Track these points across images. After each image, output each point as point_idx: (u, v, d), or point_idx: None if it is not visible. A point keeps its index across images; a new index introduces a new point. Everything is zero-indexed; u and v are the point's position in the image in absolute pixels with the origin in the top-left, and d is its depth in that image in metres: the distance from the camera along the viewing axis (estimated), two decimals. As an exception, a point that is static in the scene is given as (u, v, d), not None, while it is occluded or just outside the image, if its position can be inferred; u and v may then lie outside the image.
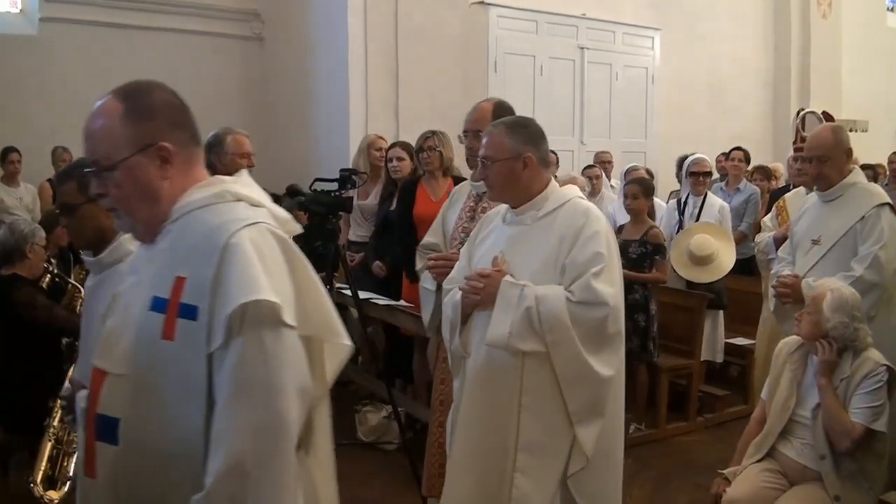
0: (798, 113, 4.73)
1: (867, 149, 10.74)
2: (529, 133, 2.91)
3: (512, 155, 2.83)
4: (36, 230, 4.32)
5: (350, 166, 5.60)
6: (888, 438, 3.15)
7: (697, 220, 5.98)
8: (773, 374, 3.38)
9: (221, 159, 4.07)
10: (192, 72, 8.31)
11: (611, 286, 2.71)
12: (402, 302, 5.03)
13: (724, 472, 3.32)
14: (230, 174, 4.09)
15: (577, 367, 2.67)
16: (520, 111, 3.38)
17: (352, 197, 4.07)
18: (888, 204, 3.76)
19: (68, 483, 3.78)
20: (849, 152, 3.89)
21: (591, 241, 2.71)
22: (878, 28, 13.00)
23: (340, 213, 4.10)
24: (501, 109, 3.55)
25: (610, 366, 2.72)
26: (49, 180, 7.37)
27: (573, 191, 2.97)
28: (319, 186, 4.05)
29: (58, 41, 7.79)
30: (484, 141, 2.94)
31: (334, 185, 4.05)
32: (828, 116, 4.72)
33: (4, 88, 7.50)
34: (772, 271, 4.28)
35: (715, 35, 10.34)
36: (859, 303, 3.24)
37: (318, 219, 4.04)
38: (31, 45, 7.72)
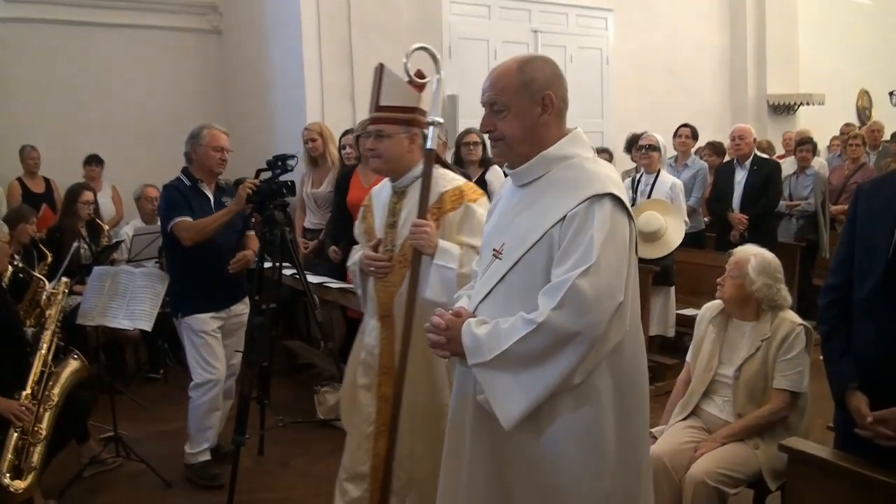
0: None
1: (823, 122, 10.98)
2: None
3: None
4: None
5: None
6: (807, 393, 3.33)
7: (649, 197, 6.14)
8: (696, 337, 3.55)
9: (196, 150, 4.36)
10: (152, 66, 8.43)
11: None
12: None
13: (651, 430, 3.48)
14: (203, 166, 4.27)
15: None
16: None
17: (288, 182, 4.15)
18: (610, 195, 2.15)
19: (33, 473, 3.89)
20: (548, 99, 2.24)
21: None
22: (835, 1, 13.11)
23: (279, 199, 4.14)
24: None
25: None
26: (18, 179, 7.45)
27: None
28: (263, 176, 4.20)
29: (19, 41, 7.86)
30: None
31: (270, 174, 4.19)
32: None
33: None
34: (455, 295, 2.62)
35: (670, 13, 10.40)
36: (779, 265, 3.42)
37: (255, 207, 4.16)
38: (-7, 47, 7.76)
